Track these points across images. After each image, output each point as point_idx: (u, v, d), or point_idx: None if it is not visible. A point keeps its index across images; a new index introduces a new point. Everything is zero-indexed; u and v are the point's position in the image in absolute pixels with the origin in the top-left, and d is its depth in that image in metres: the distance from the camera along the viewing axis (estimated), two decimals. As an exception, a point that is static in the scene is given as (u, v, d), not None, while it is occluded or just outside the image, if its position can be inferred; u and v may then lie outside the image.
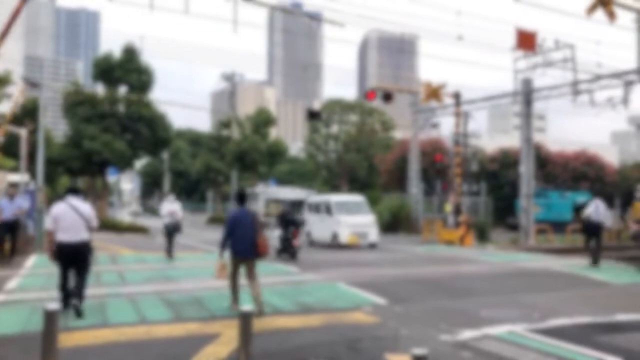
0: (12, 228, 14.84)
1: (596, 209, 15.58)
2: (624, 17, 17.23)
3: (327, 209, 22.06)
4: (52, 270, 13.56)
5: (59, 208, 8.35)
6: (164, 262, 15.68)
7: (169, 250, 16.04)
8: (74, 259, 8.31)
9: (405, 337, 7.33)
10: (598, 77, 22.14)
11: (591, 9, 15.50)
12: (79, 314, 8.05)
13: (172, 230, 16.05)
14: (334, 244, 21.11)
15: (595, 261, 15.30)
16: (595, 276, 13.62)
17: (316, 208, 23.24)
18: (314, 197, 25.88)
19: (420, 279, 12.81)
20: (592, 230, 15.61)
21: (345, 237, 20.99)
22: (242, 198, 9.17)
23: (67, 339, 6.74)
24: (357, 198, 23.88)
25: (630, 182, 38.76)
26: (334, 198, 23.35)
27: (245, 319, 5.30)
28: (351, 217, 21.45)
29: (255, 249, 8.62)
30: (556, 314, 8.81)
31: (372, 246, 21.16)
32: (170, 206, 16.30)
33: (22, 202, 15.60)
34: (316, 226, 22.75)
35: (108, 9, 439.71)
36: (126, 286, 11.22)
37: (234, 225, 8.66)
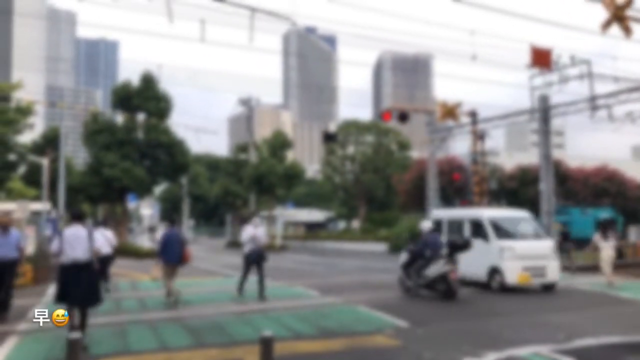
0: (4, 270, 10.22)
1: None
2: (640, 32, 17.13)
3: (477, 230, 15.01)
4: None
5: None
6: (183, 287, 15.69)
7: (260, 287, 12.94)
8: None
9: (428, 360, 7.23)
10: (616, 92, 21.96)
11: (606, 25, 15.43)
12: None
13: (254, 260, 13.08)
14: (494, 285, 14.17)
15: None
16: (621, 294, 13.34)
17: (454, 228, 16.12)
18: (445, 212, 18.17)
19: (441, 300, 12.66)
20: None
21: (513, 275, 13.84)
22: (173, 222, 13.14)
23: (90, 367, 6.76)
24: (520, 213, 16.63)
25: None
26: (488, 213, 15.88)
27: (266, 344, 5.28)
28: (520, 244, 14.45)
29: (181, 257, 12.16)
30: (582, 334, 8.64)
31: (549, 288, 14.34)
32: (254, 230, 13.24)
33: (19, 237, 10.80)
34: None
35: (127, 39, 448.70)
36: (146, 312, 11.25)
37: (166, 241, 12.19)
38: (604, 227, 17.74)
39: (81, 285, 7.96)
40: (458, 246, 13.08)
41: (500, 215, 16.06)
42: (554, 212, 24.00)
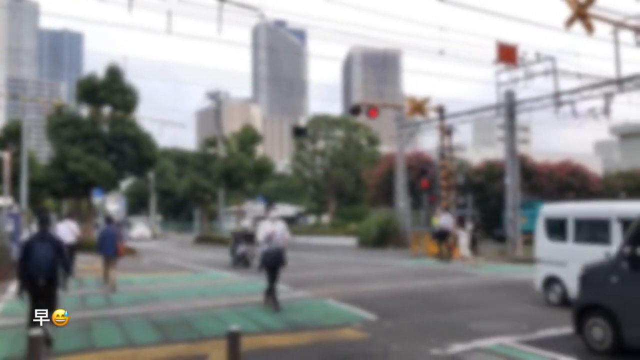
0: None
1: (446, 220, 21.86)
2: (602, 30, 17.57)
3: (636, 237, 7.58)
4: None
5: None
6: (150, 283, 15.51)
7: (272, 296, 10.85)
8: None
9: (395, 353, 7.30)
10: (579, 89, 22.45)
11: (570, 22, 15.76)
12: None
13: (269, 262, 10.78)
14: None
15: (448, 259, 21.06)
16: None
17: (587, 230, 10.86)
18: (571, 208, 11.88)
19: (410, 293, 12.79)
20: (443, 236, 21.67)
21: None
22: (109, 220, 15.25)
23: (52, 365, 6.61)
24: None
25: (614, 191, 39.18)
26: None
27: (233, 339, 5.24)
28: None
29: (116, 251, 14.15)
30: (545, 325, 8.83)
31: None
32: (271, 226, 10.88)
33: None
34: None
35: (92, 30, 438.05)
36: (113, 309, 11.08)
37: (103, 237, 14.30)
38: (461, 219, 23.84)
39: None
40: (248, 237, 20.05)
41: None
42: (519, 206, 24.47)
